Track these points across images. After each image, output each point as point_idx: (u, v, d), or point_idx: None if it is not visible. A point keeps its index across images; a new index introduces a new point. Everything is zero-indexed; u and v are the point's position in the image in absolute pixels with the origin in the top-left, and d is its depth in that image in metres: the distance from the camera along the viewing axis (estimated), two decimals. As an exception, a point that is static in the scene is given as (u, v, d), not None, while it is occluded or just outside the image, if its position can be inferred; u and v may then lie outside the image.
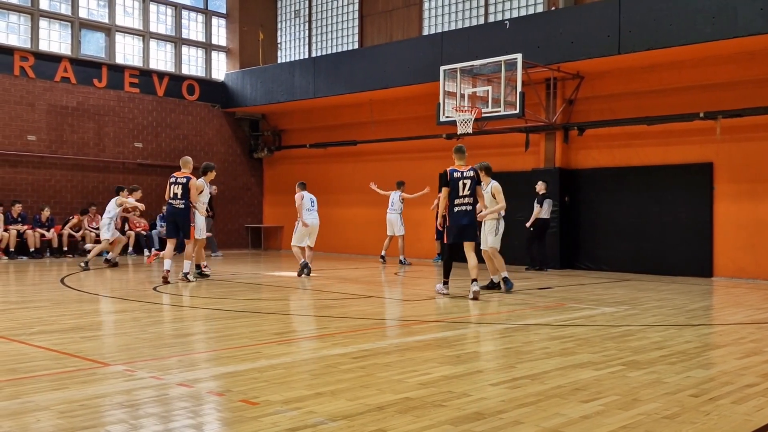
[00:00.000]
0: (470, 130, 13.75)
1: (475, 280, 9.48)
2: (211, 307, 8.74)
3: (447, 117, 14.14)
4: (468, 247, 9.66)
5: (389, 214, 15.88)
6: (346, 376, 4.93)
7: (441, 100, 14.19)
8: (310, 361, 5.44)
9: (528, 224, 14.16)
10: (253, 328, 7.25)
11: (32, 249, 16.19)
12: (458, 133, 14.00)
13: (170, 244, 11.44)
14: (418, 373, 5.06)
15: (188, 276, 11.35)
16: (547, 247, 14.56)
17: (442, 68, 14.19)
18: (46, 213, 16.64)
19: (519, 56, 13.13)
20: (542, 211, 14.15)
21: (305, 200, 12.89)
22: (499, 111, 13.42)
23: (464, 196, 9.50)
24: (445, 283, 9.89)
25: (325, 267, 14.94)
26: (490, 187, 10.22)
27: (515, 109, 13.28)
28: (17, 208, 16.12)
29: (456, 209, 9.52)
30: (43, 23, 17.47)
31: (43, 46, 17.42)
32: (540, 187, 14.22)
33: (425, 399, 4.34)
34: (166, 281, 10.95)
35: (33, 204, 16.92)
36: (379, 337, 6.67)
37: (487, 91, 13.67)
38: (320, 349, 5.99)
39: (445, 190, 9.56)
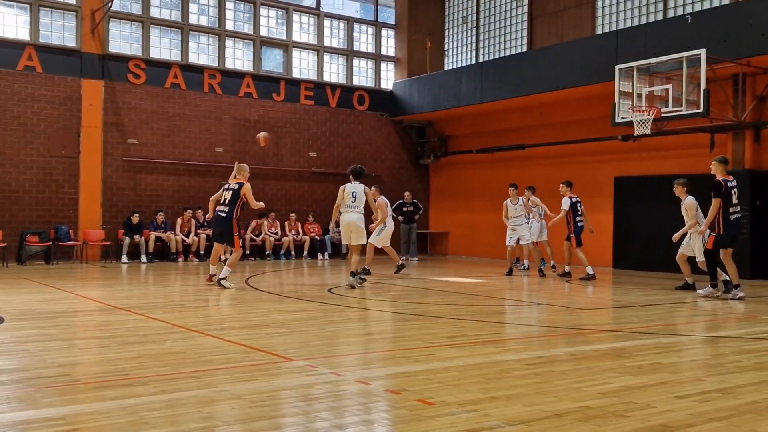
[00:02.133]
0: (648, 131, 13.08)
1: (737, 285, 10.12)
2: (382, 310, 8.96)
3: (623, 118, 13.55)
4: (727, 253, 10.17)
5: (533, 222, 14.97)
6: (521, 382, 4.86)
7: (616, 101, 13.63)
8: (483, 365, 5.42)
9: None
10: (424, 330, 7.35)
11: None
12: (635, 134, 13.37)
13: (216, 248, 11.34)
14: (597, 382, 4.89)
15: (223, 282, 10.71)
16: None
17: (617, 67, 13.62)
18: (231, 219, 17.89)
19: (703, 52, 12.31)
20: None
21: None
22: (681, 110, 12.65)
23: (736, 204, 10.08)
24: (714, 285, 10.32)
25: (494, 273, 14.82)
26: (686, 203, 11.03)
27: (698, 108, 12.47)
28: (199, 214, 17.48)
29: (732, 218, 10.01)
30: (228, 43, 18.83)
31: (229, 64, 18.76)
32: None
33: (606, 408, 4.19)
34: (210, 281, 11.03)
35: (220, 210, 18.23)
36: (553, 345, 6.51)
37: (667, 89, 12.93)
38: (493, 354, 5.96)
39: (717, 201, 9.90)
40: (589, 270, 12.99)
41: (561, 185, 13.57)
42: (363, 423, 3.93)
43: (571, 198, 13.29)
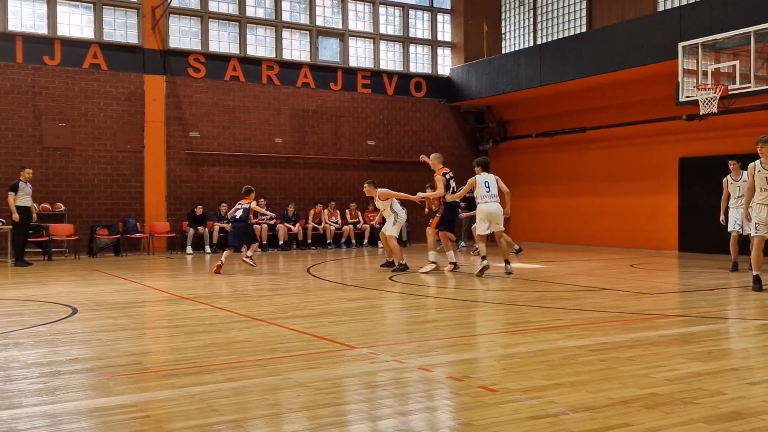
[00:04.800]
0: (715, 110, 12.66)
1: None
2: (443, 297, 8.94)
3: (687, 97, 13.15)
4: None
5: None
6: (586, 368, 4.80)
7: (680, 79, 13.22)
8: (546, 352, 5.37)
9: None
10: (485, 317, 7.32)
11: (281, 242, 17.73)
12: (701, 113, 12.96)
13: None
14: (664, 368, 4.79)
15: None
16: None
17: (680, 45, 13.21)
18: (291, 209, 18.14)
19: (772, 25, 11.84)
20: None
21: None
22: (749, 87, 12.20)
23: None
24: None
25: (555, 258, 14.62)
26: None
27: (768, 84, 12.01)
28: (262, 203, 17.72)
29: None
30: (285, 34, 19.00)
31: (286, 55, 18.94)
32: None
33: (674, 395, 4.10)
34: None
35: (281, 201, 18.50)
36: (618, 331, 6.39)
37: (734, 66, 12.49)
38: (556, 340, 5.89)
39: None
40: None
41: None
42: (426, 410, 3.95)
43: None
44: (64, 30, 16.42)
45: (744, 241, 11.24)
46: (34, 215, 14.37)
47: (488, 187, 11.29)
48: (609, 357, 5.14)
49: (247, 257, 12.52)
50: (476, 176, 11.38)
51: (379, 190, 12.20)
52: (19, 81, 15.79)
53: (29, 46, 15.91)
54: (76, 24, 16.63)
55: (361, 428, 3.63)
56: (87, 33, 16.69)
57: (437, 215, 11.90)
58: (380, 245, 17.31)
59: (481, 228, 11.43)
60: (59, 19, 16.36)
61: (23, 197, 13.80)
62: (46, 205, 15.56)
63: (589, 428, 3.53)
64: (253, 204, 12.64)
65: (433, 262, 11.73)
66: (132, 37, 17.09)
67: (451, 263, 11.78)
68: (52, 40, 16.15)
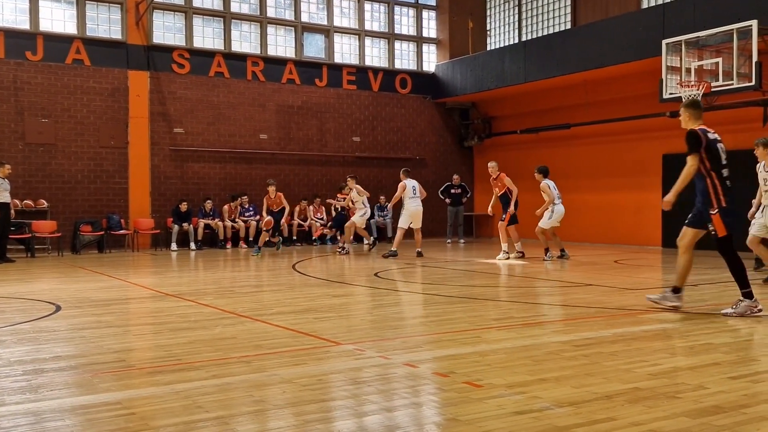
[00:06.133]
0: (698, 107, 12.77)
1: None
2: (429, 293, 8.97)
3: (671, 94, 13.26)
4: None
5: None
6: (570, 364, 4.83)
7: (663, 76, 13.33)
8: (531, 347, 5.40)
9: None
10: (471, 313, 7.34)
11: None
12: (684, 110, 13.07)
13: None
14: (647, 363, 4.83)
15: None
16: None
17: (664, 42, 13.31)
18: (276, 205, 18.09)
19: (754, 23, 11.95)
20: None
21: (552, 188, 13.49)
22: (732, 84, 12.33)
23: (728, 167, 6.91)
24: (748, 294, 6.71)
25: (540, 254, 14.66)
26: None
27: (750, 81, 12.13)
28: (245, 200, 17.70)
29: (729, 184, 6.86)
30: (270, 30, 18.92)
31: (271, 51, 18.87)
32: None
33: (656, 390, 4.14)
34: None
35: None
36: (602, 326, 6.45)
37: (717, 63, 12.60)
38: (540, 335, 5.93)
39: (693, 158, 7.04)
40: None
41: None
42: (412, 406, 3.96)
43: None
44: (46, 25, 16.27)
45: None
46: (13, 212, 14.22)
47: (556, 190, 13.34)
48: (593, 352, 5.18)
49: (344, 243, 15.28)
50: (546, 181, 13.33)
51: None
52: (1, 76, 15.62)
53: (11, 41, 15.75)
54: (58, 19, 16.48)
55: (346, 424, 3.64)
56: (70, 28, 16.54)
57: (508, 213, 13.76)
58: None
59: (550, 225, 13.32)
60: (41, 14, 16.20)
61: (2, 193, 13.65)
62: (29, 202, 15.43)
63: (574, 423, 3.56)
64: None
65: (520, 251, 13.82)
66: (115, 33, 16.96)
67: (519, 251, 13.84)
68: (34, 35, 16.00)
